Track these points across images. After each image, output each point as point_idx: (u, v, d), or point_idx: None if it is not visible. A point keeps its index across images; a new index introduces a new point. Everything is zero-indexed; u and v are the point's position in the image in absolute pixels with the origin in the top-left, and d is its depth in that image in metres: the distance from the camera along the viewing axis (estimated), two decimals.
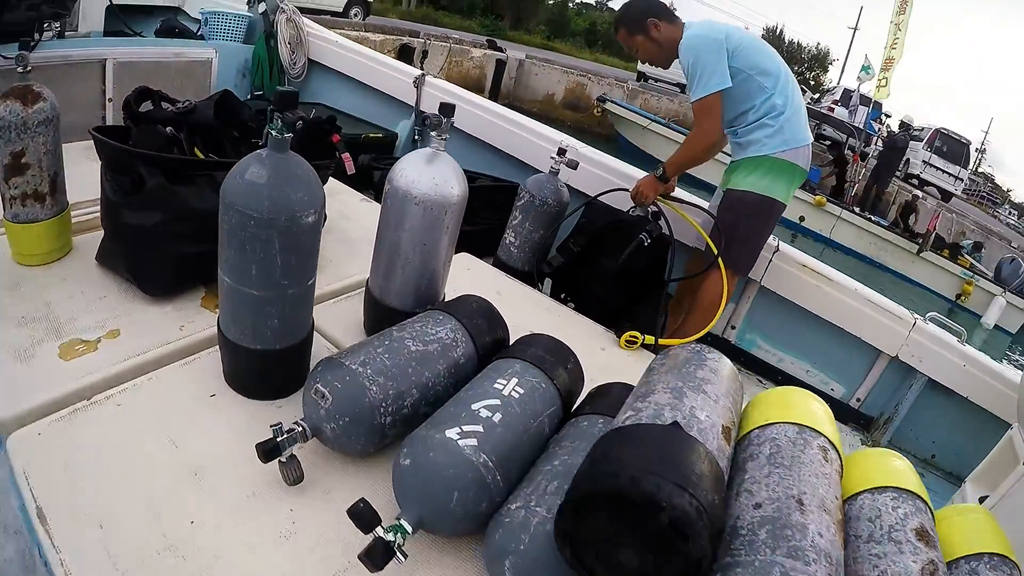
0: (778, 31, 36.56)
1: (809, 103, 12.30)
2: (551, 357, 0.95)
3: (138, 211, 1.06)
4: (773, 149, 1.82)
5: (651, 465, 0.60)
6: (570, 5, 29.65)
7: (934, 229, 9.24)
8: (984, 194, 23.36)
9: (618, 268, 1.76)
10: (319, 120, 1.42)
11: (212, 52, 2.93)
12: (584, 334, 1.55)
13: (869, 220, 9.39)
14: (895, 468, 0.83)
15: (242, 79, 3.18)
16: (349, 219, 1.68)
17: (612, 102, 10.69)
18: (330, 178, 1.67)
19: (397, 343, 0.90)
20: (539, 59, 13.19)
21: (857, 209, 9.72)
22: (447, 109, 1.04)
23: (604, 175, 2.29)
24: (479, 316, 1.03)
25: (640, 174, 2.22)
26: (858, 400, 2.38)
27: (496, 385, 0.84)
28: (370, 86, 3.09)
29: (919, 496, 0.77)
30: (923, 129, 15.60)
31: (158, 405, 0.92)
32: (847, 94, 14.56)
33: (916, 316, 2.22)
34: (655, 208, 1.99)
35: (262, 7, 3.14)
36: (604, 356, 1.47)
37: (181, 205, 1.08)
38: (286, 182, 0.82)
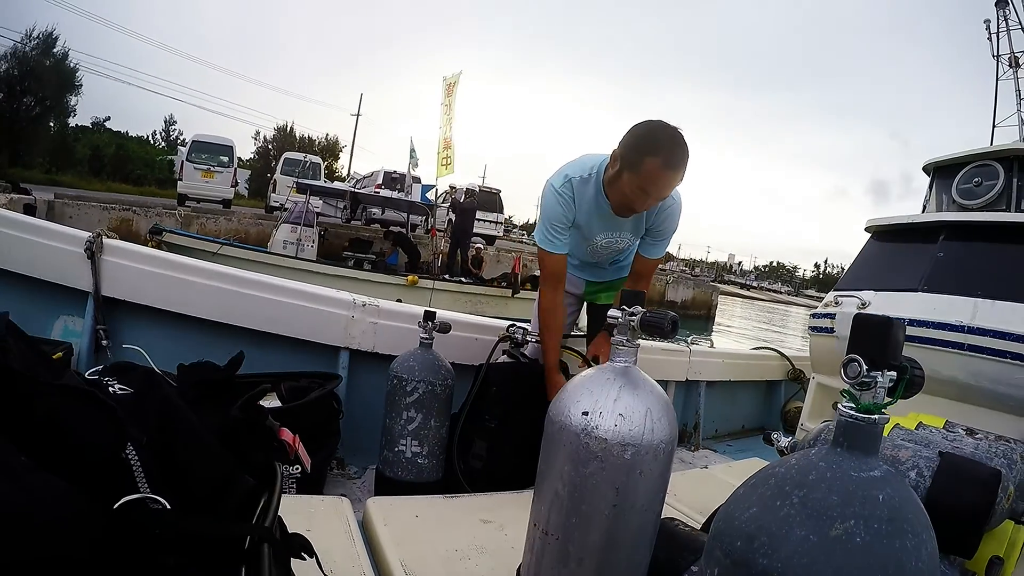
0: (288, 129, 35.07)
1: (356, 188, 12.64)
2: None
3: None
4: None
5: None
6: (68, 132, 25.96)
7: (519, 271, 10.38)
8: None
9: None
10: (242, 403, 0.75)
11: None
12: None
13: (461, 282, 10.21)
14: None
15: None
16: None
17: (169, 231, 9.48)
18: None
19: None
20: (70, 198, 11.44)
21: (447, 276, 10.39)
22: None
23: (461, 333, 1.99)
24: None
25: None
26: None
27: None
28: None
29: None
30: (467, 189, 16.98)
31: None
32: (390, 178, 15.06)
33: (688, 345, 2.84)
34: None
35: None
36: None
37: None
38: None
